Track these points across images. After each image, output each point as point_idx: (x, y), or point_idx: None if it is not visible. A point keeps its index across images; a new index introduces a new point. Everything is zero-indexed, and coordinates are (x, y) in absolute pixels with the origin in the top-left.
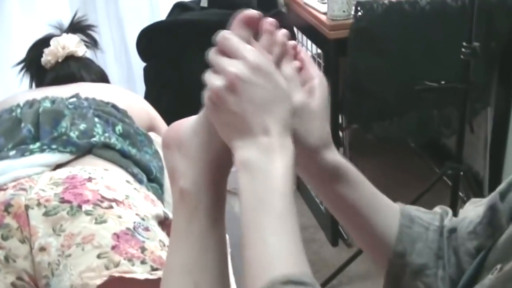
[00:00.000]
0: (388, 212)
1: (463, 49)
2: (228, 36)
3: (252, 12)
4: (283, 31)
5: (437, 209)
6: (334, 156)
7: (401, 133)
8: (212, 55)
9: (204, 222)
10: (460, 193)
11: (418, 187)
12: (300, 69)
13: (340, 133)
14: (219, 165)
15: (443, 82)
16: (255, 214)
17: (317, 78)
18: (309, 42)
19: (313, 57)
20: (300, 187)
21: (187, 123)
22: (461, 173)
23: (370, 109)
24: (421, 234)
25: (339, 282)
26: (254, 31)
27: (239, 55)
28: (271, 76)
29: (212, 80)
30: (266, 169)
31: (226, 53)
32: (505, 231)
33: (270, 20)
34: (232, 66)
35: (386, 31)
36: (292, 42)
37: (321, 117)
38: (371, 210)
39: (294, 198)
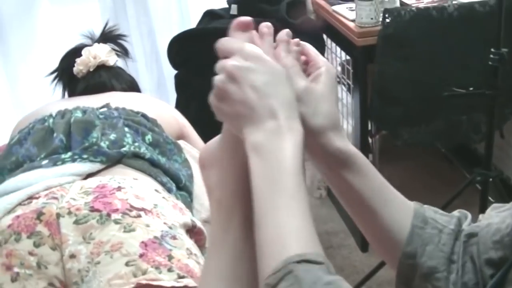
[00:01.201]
0: (400, 208)
1: (491, 55)
2: (223, 41)
3: (243, 18)
4: (283, 31)
5: (456, 212)
6: (342, 141)
7: (430, 139)
8: (217, 64)
9: (239, 232)
10: (490, 198)
11: (448, 193)
12: (306, 62)
13: (370, 140)
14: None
15: (471, 89)
16: (267, 195)
17: (324, 66)
18: (338, 48)
19: (342, 63)
20: (330, 193)
21: (217, 140)
22: (490, 179)
23: (398, 115)
24: (434, 236)
25: None
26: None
27: (234, 50)
28: (267, 62)
29: (215, 79)
30: (275, 151)
31: (226, 55)
32: None
33: (266, 23)
34: (229, 60)
35: (413, 37)
36: (295, 40)
37: (327, 100)
38: (379, 202)
39: (304, 178)
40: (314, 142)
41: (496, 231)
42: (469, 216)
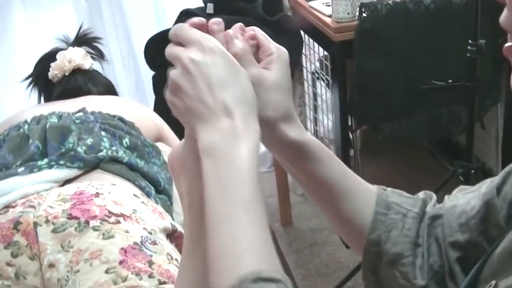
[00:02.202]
0: (362, 195)
1: (469, 47)
2: (180, 27)
3: (196, 19)
4: (236, 25)
5: (421, 194)
6: (296, 131)
7: (411, 132)
8: (168, 49)
9: None
10: None
11: (431, 186)
12: (257, 48)
13: (351, 135)
14: None
15: (450, 81)
16: (220, 203)
17: (276, 52)
18: (316, 44)
19: (320, 59)
20: None
21: (183, 143)
22: (472, 171)
23: (379, 110)
24: (397, 222)
25: (354, 284)
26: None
27: (191, 40)
28: (226, 57)
29: (169, 73)
30: (230, 155)
31: (180, 43)
32: (503, 234)
33: (215, 20)
34: (185, 51)
35: (391, 31)
36: (238, 24)
37: (278, 90)
38: (340, 190)
39: (260, 185)
40: (266, 135)
41: (461, 213)
42: (434, 197)
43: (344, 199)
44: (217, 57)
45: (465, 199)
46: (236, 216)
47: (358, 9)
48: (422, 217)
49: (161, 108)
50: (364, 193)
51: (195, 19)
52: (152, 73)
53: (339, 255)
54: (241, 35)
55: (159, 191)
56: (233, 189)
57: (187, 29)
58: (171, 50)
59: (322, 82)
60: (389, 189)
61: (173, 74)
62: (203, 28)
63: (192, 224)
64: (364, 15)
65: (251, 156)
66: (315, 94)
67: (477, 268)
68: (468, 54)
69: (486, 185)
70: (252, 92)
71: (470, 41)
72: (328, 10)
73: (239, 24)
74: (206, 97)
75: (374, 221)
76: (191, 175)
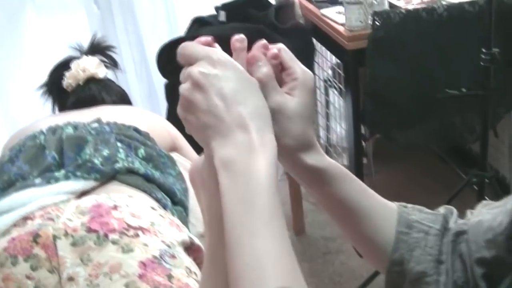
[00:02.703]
0: (383, 215)
1: (482, 56)
2: (185, 45)
3: (202, 38)
4: (260, 42)
5: (441, 209)
6: (315, 158)
7: (424, 140)
8: (181, 74)
9: None
10: (487, 198)
11: (444, 194)
12: (282, 69)
13: (364, 143)
14: None
15: (464, 90)
16: (240, 218)
17: (301, 76)
18: (328, 52)
19: (332, 67)
20: None
21: (202, 158)
22: (486, 180)
23: (392, 118)
24: (420, 240)
25: None
26: None
27: (199, 56)
28: (237, 68)
29: (180, 88)
30: (248, 169)
31: (189, 62)
32: None
33: (238, 37)
34: (195, 66)
35: (404, 39)
36: (261, 42)
37: (300, 119)
38: (361, 212)
39: (279, 197)
40: (284, 161)
41: (488, 229)
42: (455, 212)
43: (365, 219)
44: (227, 69)
45: (491, 214)
46: (257, 229)
47: (371, 17)
48: (444, 233)
49: (174, 116)
50: (385, 213)
51: (202, 39)
52: (165, 80)
53: (353, 263)
54: (264, 53)
55: (175, 202)
56: (252, 203)
57: (192, 45)
58: (183, 71)
59: (334, 90)
60: (409, 205)
61: (184, 89)
62: (211, 45)
63: (212, 239)
64: (377, 23)
65: (269, 169)
66: (327, 102)
67: (506, 285)
68: (481, 63)
69: None
70: (267, 107)
71: (483, 50)
72: (341, 19)
73: (263, 42)
74: (221, 111)
75: (396, 241)
76: (210, 192)
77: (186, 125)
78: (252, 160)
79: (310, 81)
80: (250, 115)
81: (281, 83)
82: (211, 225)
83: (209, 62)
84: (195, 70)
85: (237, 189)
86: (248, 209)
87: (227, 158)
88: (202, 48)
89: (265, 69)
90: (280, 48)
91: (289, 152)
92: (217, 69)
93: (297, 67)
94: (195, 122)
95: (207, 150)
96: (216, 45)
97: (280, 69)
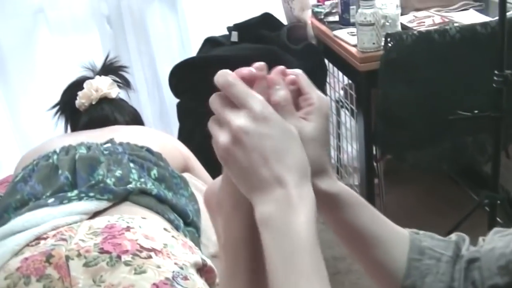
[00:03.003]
0: (395, 242)
1: (495, 77)
2: (233, 82)
3: (245, 70)
4: (278, 68)
5: (453, 236)
6: (330, 183)
7: (435, 162)
8: (215, 102)
9: (245, 276)
10: (498, 219)
11: (455, 215)
12: (298, 94)
13: (375, 164)
14: (253, 222)
15: (476, 111)
16: (282, 274)
17: (317, 102)
18: (340, 73)
19: (344, 88)
20: None
21: (220, 181)
22: (498, 202)
23: (403, 139)
24: (432, 267)
25: None
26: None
27: (244, 104)
28: (278, 123)
29: (218, 135)
30: (287, 225)
31: (231, 100)
32: None
33: (258, 65)
34: (237, 118)
35: (416, 61)
36: (280, 68)
37: (315, 143)
38: (373, 238)
39: (320, 250)
40: None
41: (501, 256)
42: (467, 239)
43: (377, 246)
44: (270, 126)
45: (503, 242)
46: (300, 287)
47: (383, 38)
48: (456, 260)
49: (185, 135)
50: (397, 239)
51: (245, 71)
52: (177, 100)
53: (363, 284)
54: (282, 79)
55: (187, 223)
56: (293, 260)
57: (235, 84)
58: (216, 105)
59: (346, 111)
60: (421, 232)
61: (224, 142)
62: (252, 81)
63: (228, 262)
64: (390, 44)
65: (309, 224)
66: (338, 122)
67: None
68: (494, 84)
69: None
70: (305, 159)
71: (496, 72)
72: (353, 40)
73: (281, 68)
74: (261, 169)
75: (408, 268)
76: (226, 217)
77: (227, 171)
78: (291, 215)
79: (325, 106)
80: (289, 170)
81: (297, 108)
82: (227, 248)
83: (251, 116)
84: (236, 123)
85: (278, 246)
86: (288, 265)
87: (267, 215)
88: (244, 91)
89: (282, 93)
90: (297, 73)
91: None
92: (259, 125)
93: (314, 92)
94: (236, 173)
95: (227, 174)
96: (264, 74)
97: (297, 94)
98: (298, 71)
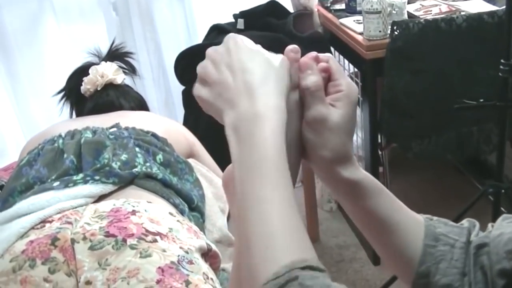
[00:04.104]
0: (411, 228)
1: (501, 67)
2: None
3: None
4: (310, 54)
5: (465, 222)
6: (352, 171)
7: (440, 151)
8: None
9: None
10: (503, 209)
11: (459, 204)
12: (328, 79)
13: (380, 152)
14: None
15: (481, 100)
16: (249, 185)
17: (346, 89)
18: (346, 61)
19: (350, 76)
20: (340, 206)
21: None
22: (503, 191)
23: (408, 128)
24: (446, 253)
25: None
26: None
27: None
28: (248, 42)
29: (198, 66)
30: (250, 136)
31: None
32: None
33: (292, 47)
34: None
35: (422, 49)
36: (313, 54)
37: (341, 132)
38: (392, 225)
39: (286, 160)
40: (321, 172)
41: (509, 240)
42: (477, 225)
43: (394, 232)
44: (239, 44)
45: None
46: (266, 197)
47: (389, 27)
48: (468, 246)
49: (190, 122)
50: (413, 226)
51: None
52: (182, 87)
53: (366, 272)
54: (315, 65)
55: (192, 208)
56: (259, 170)
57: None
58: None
59: None
60: (435, 218)
61: (200, 65)
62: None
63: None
64: (396, 33)
65: (275, 133)
66: None
67: None
68: (500, 74)
69: None
70: (281, 73)
71: (502, 61)
72: (359, 28)
73: (314, 54)
74: (228, 80)
75: (423, 254)
76: None
77: (201, 103)
78: (257, 126)
79: (354, 94)
80: (258, 82)
81: (325, 93)
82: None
83: (225, 41)
84: (209, 48)
85: (244, 156)
86: (253, 174)
87: (233, 125)
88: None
89: (314, 78)
90: (328, 58)
91: (326, 163)
92: (228, 44)
93: (343, 79)
94: (208, 96)
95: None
96: None
97: (326, 80)
98: (330, 56)
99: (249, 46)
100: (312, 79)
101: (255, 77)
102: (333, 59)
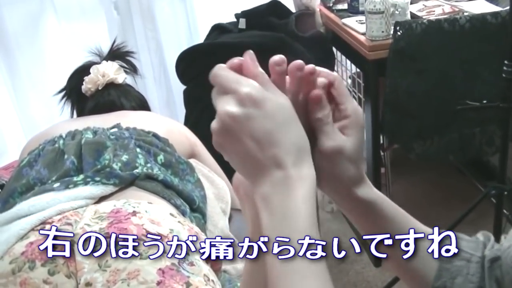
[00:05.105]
0: (426, 243)
1: (504, 68)
2: (218, 73)
3: (236, 60)
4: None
5: (480, 236)
6: (366, 191)
7: (442, 152)
8: (213, 92)
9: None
10: (505, 211)
11: (462, 206)
12: (336, 105)
13: (382, 153)
14: None
15: (484, 101)
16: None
17: (352, 115)
18: (348, 61)
19: (352, 76)
20: None
21: None
22: (505, 193)
23: (411, 128)
24: (462, 268)
25: None
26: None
27: (229, 89)
28: (268, 103)
29: (212, 127)
30: (284, 207)
31: (222, 91)
32: None
33: (277, 59)
34: (223, 104)
35: (425, 50)
36: (310, 66)
37: (354, 159)
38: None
39: (317, 230)
40: (337, 195)
41: None
42: (492, 238)
43: None
44: (258, 107)
45: None
46: (296, 268)
47: (392, 27)
48: (483, 260)
49: (192, 122)
50: (428, 242)
51: (235, 60)
52: (183, 87)
53: (368, 273)
54: (310, 78)
55: (193, 209)
56: (290, 240)
57: (222, 73)
58: (213, 94)
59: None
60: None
61: (215, 130)
62: (246, 68)
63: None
64: (399, 33)
65: (307, 204)
66: None
67: None
68: (503, 75)
69: None
70: (302, 134)
71: (506, 62)
72: (362, 28)
73: (311, 67)
74: (255, 153)
75: (439, 269)
76: (253, 205)
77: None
78: (289, 195)
79: (361, 119)
80: (285, 151)
81: (332, 117)
82: (255, 236)
83: (238, 99)
84: (222, 110)
85: (275, 227)
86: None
87: (265, 196)
88: (231, 77)
89: (326, 111)
90: (335, 79)
91: (342, 188)
92: (247, 109)
93: (349, 103)
94: (232, 159)
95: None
96: (254, 63)
97: (328, 96)
98: (336, 76)
99: (272, 108)
100: (324, 111)
101: (285, 149)
102: (339, 81)
